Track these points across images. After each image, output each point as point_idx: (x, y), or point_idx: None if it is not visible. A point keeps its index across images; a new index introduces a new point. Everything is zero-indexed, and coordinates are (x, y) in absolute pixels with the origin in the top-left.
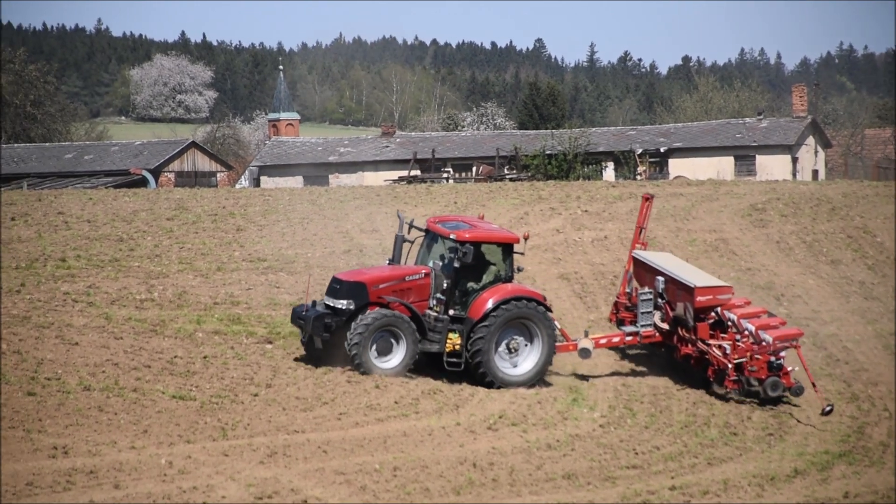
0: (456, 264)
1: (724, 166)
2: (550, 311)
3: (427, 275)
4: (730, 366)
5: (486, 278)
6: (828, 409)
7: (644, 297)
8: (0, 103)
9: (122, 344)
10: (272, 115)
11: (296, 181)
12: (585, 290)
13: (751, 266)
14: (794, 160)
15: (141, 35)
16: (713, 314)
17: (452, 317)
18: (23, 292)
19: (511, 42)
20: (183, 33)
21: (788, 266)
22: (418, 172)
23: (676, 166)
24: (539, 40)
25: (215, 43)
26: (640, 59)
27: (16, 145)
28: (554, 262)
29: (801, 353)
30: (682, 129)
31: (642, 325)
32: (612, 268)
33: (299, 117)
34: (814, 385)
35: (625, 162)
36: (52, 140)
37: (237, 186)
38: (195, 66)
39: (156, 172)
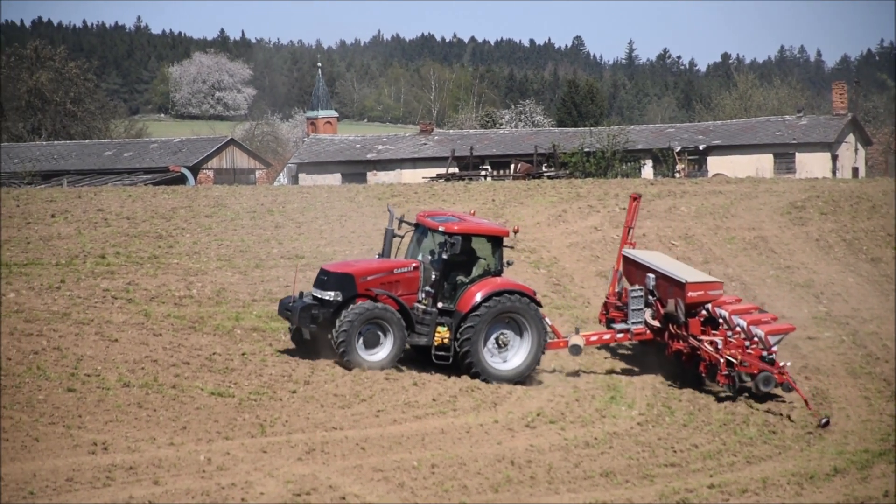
0: (444, 256)
1: (763, 164)
2: (540, 305)
3: (416, 268)
4: (721, 361)
5: (475, 272)
6: (824, 421)
7: (635, 295)
8: None
9: (161, 341)
10: (310, 113)
11: (334, 179)
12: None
13: (790, 264)
14: (834, 158)
15: (180, 33)
16: (704, 311)
17: (441, 310)
18: (62, 289)
19: (549, 39)
20: (222, 31)
21: (828, 264)
22: (456, 170)
23: (715, 164)
24: (578, 38)
25: (254, 40)
26: (678, 57)
27: (56, 142)
28: (592, 259)
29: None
30: (722, 127)
31: (633, 323)
32: None
33: (337, 115)
34: (806, 403)
35: (663, 160)
36: (91, 137)
37: (275, 184)
38: (234, 64)
39: (195, 170)
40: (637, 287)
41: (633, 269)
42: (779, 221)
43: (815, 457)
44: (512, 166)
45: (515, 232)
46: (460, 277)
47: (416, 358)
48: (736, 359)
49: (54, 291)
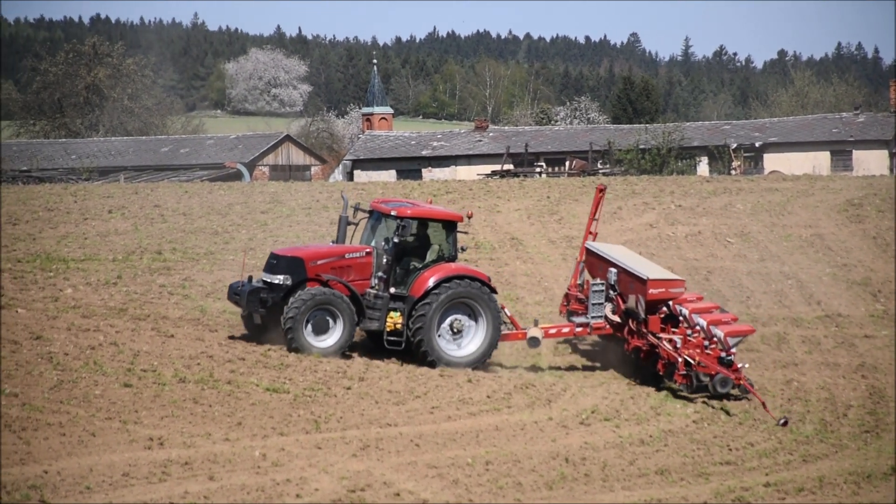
0: (395, 240)
1: (820, 161)
2: (495, 292)
3: (368, 254)
4: (679, 360)
5: (429, 257)
6: (782, 421)
7: (596, 289)
8: None
9: (216, 336)
10: (366, 109)
11: (389, 175)
12: None
13: (847, 262)
14: (892, 155)
15: (237, 29)
16: (665, 308)
17: (394, 295)
18: (119, 284)
19: (605, 36)
20: (278, 27)
21: (885, 262)
22: (511, 166)
23: (772, 161)
24: (634, 34)
25: (310, 37)
26: (735, 54)
27: (113, 139)
28: (647, 256)
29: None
30: (778, 124)
31: (593, 317)
32: (705, 263)
33: (393, 111)
34: (763, 405)
35: (719, 157)
36: (148, 133)
37: (331, 180)
38: (290, 60)
39: (250, 166)
40: (599, 281)
41: (596, 263)
42: (836, 219)
43: (873, 456)
44: (567, 163)
45: (469, 217)
46: (414, 263)
47: (369, 345)
48: (694, 359)
49: (111, 287)
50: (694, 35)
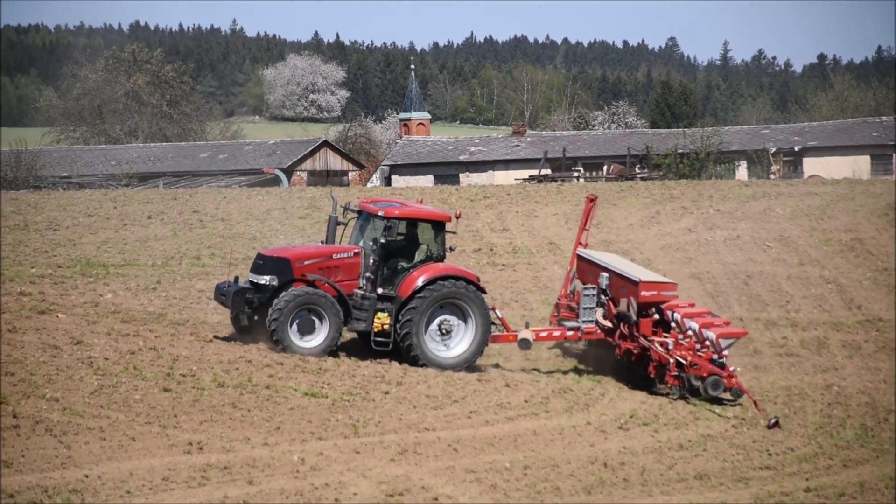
0: (382, 240)
1: (860, 165)
2: (484, 292)
3: (357, 254)
4: (671, 361)
5: (417, 257)
6: (773, 421)
7: (587, 294)
8: None
9: (255, 341)
10: (403, 115)
11: (426, 180)
12: (717, 289)
13: (887, 266)
14: None
15: (275, 35)
16: (656, 313)
17: (382, 296)
18: (158, 289)
19: (643, 41)
20: (316, 33)
21: None
22: (549, 171)
23: (811, 165)
24: (672, 39)
25: (348, 43)
26: (774, 58)
27: (152, 144)
28: (685, 261)
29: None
30: (817, 128)
31: (584, 321)
32: (744, 267)
33: (430, 116)
34: (755, 404)
35: (758, 161)
36: (187, 139)
37: (368, 185)
38: (328, 66)
39: (288, 171)
40: (590, 286)
41: (587, 268)
42: (876, 223)
43: None
44: (605, 167)
45: (458, 217)
46: (402, 263)
47: (359, 346)
48: (686, 360)
49: (150, 292)
50: (733, 39)
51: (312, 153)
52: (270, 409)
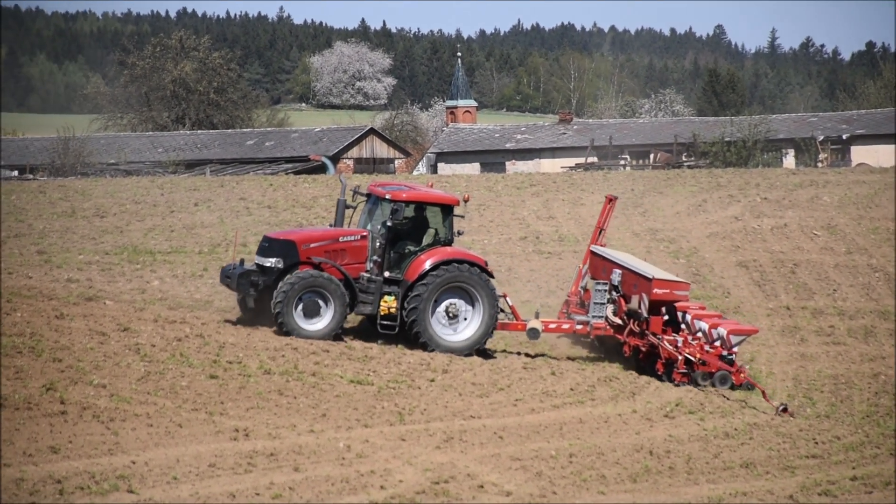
0: (389, 223)
1: None
2: (492, 276)
3: (364, 237)
4: (680, 358)
5: (424, 241)
6: (781, 408)
7: (598, 289)
8: None
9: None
10: (450, 102)
11: (473, 168)
12: (764, 278)
13: None
14: None
15: (322, 23)
16: (666, 313)
17: (389, 279)
18: (205, 277)
19: (690, 28)
20: (363, 21)
21: None
22: (595, 159)
23: (859, 153)
24: (719, 26)
25: (394, 30)
26: (822, 46)
27: (199, 132)
28: (732, 249)
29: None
30: (866, 116)
31: (594, 316)
32: (791, 256)
33: (476, 104)
34: (763, 394)
35: (806, 149)
36: (234, 127)
37: (415, 173)
38: (374, 54)
39: (335, 159)
40: (602, 281)
41: (600, 264)
42: None
43: None
44: (651, 156)
45: (466, 201)
46: (409, 247)
47: (367, 328)
48: (695, 357)
49: (197, 279)
50: (780, 27)
51: (359, 141)
52: (316, 396)
